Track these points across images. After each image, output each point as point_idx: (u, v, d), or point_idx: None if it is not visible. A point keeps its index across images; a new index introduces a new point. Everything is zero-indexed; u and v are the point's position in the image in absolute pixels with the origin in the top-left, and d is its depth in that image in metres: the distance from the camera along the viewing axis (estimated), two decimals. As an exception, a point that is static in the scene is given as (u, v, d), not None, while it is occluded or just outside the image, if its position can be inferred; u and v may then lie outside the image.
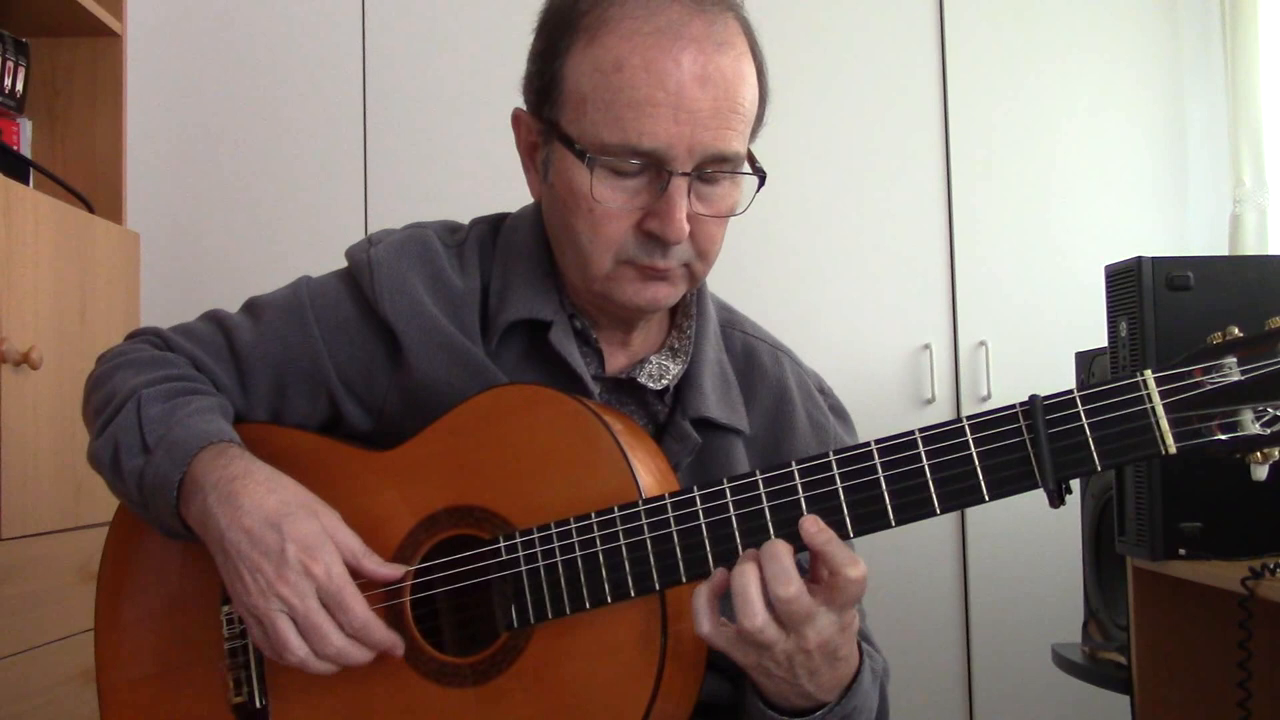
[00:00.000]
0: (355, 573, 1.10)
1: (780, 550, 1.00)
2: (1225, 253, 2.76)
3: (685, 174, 1.10)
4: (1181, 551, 1.81)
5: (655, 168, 1.10)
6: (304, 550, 1.07)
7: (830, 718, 1.06)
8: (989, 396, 2.81)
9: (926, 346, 2.85)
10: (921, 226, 2.87)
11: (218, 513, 1.09)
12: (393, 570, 1.11)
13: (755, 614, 0.98)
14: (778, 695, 1.06)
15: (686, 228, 1.11)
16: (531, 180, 1.22)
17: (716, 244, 1.17)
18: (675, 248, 1.13)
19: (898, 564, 2.74)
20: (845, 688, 1.07)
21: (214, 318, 1.28)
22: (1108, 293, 1.93)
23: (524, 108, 1.21)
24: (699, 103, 1.09)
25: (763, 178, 1.15)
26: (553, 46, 1.15)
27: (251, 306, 1.27)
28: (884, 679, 1.22)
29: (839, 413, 1.33)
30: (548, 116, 1.16)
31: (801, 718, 1.07)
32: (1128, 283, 1.85)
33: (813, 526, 1.00)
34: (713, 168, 1.11)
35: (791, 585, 0.98)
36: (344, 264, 1.27)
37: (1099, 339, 2.03)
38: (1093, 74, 2.89)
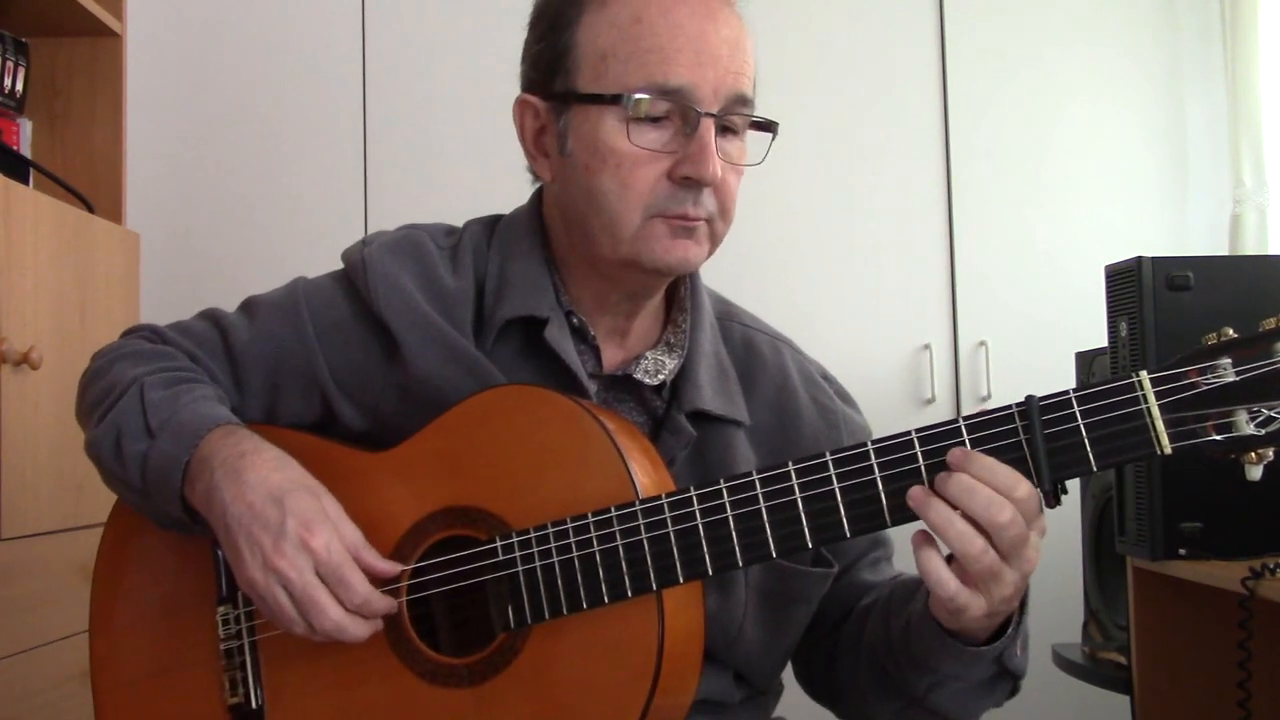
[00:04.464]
0: None
1: (985, 472, 0.98)
2: (1225, 253, 2.75)
3: (712, 115, 1.13)
4: (1181, 551, 1.81)
5: (682, 112, 1.13)
6: (303, 525, 1.08)
7: (1018, 633, 1.06)
8: (989, 396, 2.81)
9: (926, 346, 2.84)
10: (921, 227, 2.87)
11: (223, 487, 1.10)
12: (391, 566, 1.11)
13: (975, 538, 0.97)
14: (976, 632, 1.06)
15: (721, 168, 1.13)
16: (541, 166, 1.22)
17: (734, 201, 1.19)
18: (705, 197, 1.14)
19: (897, 564, 2.72)
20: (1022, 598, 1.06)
21: (210, 316, 1.29)
22: (1108, 293, 1.93)
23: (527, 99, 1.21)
24: (717, 47, 1.13)
25: (775, 129, 1.19)
26: (560, 20, 1.18)
27: (248, 306, 1.28)
28: None
29: (845, 398, 1.33)
30: (561, 89, 1.17)
31: (990, 644, 1.06)
32: (1128, 283, 1.85)
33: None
34: (735, 110, 1.15)
35: (1006, 510, 0.97)
36: (341, 265, 1.27)
37: (1099, 339, 2.03)
38: (1093, 74, 2.89)
